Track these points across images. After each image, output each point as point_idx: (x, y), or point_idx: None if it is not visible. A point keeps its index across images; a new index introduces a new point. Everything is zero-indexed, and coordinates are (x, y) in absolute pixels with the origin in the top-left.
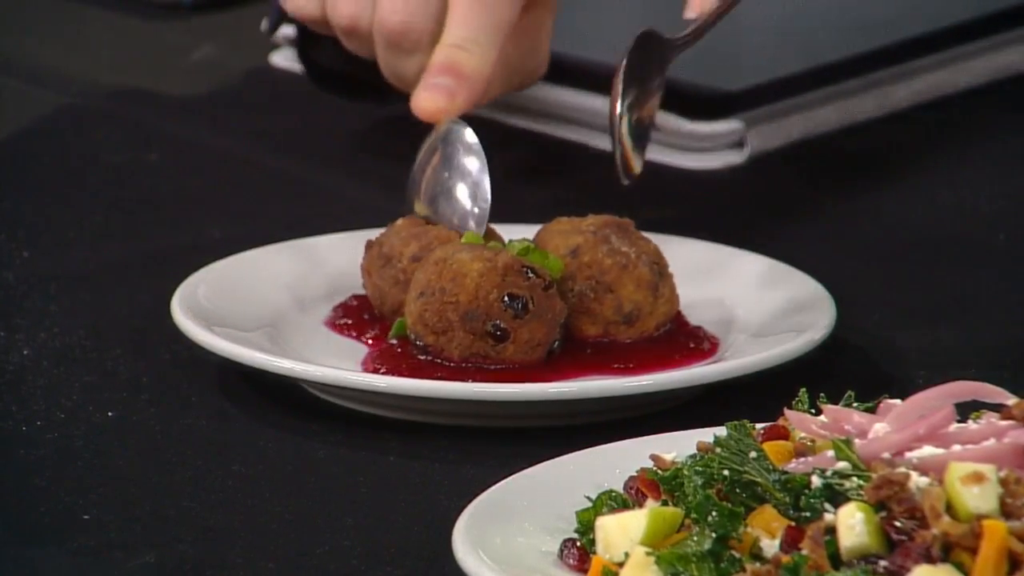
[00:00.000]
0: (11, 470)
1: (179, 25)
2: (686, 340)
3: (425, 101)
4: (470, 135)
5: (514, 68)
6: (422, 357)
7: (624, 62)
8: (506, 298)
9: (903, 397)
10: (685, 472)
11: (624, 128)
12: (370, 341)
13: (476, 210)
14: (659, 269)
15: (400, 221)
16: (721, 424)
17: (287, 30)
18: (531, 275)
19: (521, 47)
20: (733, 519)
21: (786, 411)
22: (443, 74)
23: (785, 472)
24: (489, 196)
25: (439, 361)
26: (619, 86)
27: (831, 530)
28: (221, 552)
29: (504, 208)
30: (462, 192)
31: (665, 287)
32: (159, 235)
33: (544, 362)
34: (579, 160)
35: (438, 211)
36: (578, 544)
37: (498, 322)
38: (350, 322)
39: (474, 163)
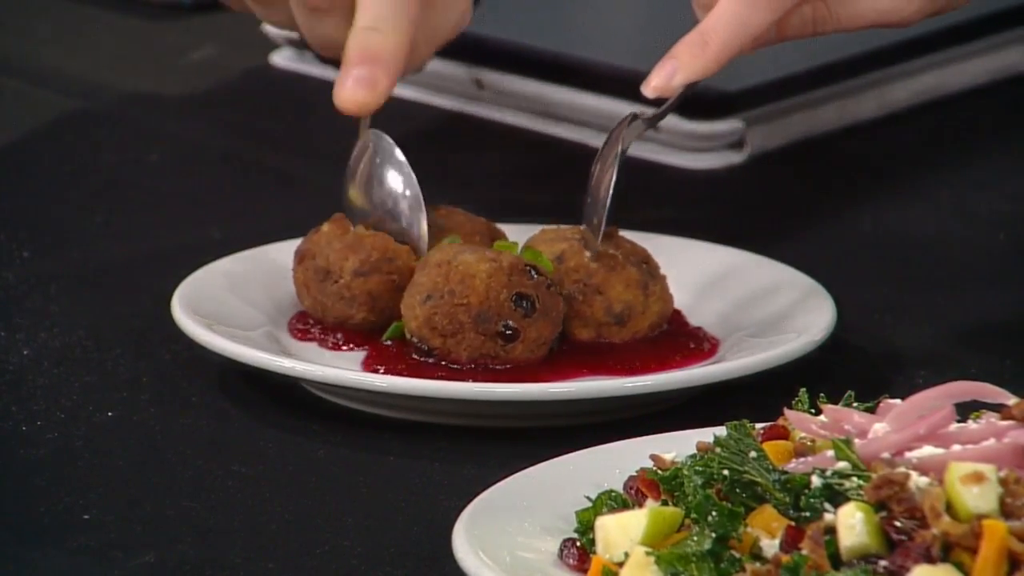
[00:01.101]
0: (11, 470)
1: (179, 25)
2: (686, 340)
3: (348, 96)
4: (396, 152)
5: (437, 27)
6: (427, 360)
7: (619, 146)
8: (516, 298)
9: (903, 397)
10: (685, 472)
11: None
12: (331, 344)
13: (416, 231)
14: (649, 269)
15: (325, 226)
16: (721, 424)
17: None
18: (534, 274)
19: (438, 4)
20: (733, 519)
21: (786, 411)
22: (360, 64)
23: (785, 472)
24: (424, 208)
25: (445, 364)
26: (614, 170)
27: (831, 530)
28: (221, 552)
29: (503, 208)
30: (399, 211)
31: (656, 286)
32: (159, 235)
33: (545, 360)
34: (579, 160)
35: (379, 228)
36: (578, 544)
37: (508, 322)
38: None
39: (404, 180)
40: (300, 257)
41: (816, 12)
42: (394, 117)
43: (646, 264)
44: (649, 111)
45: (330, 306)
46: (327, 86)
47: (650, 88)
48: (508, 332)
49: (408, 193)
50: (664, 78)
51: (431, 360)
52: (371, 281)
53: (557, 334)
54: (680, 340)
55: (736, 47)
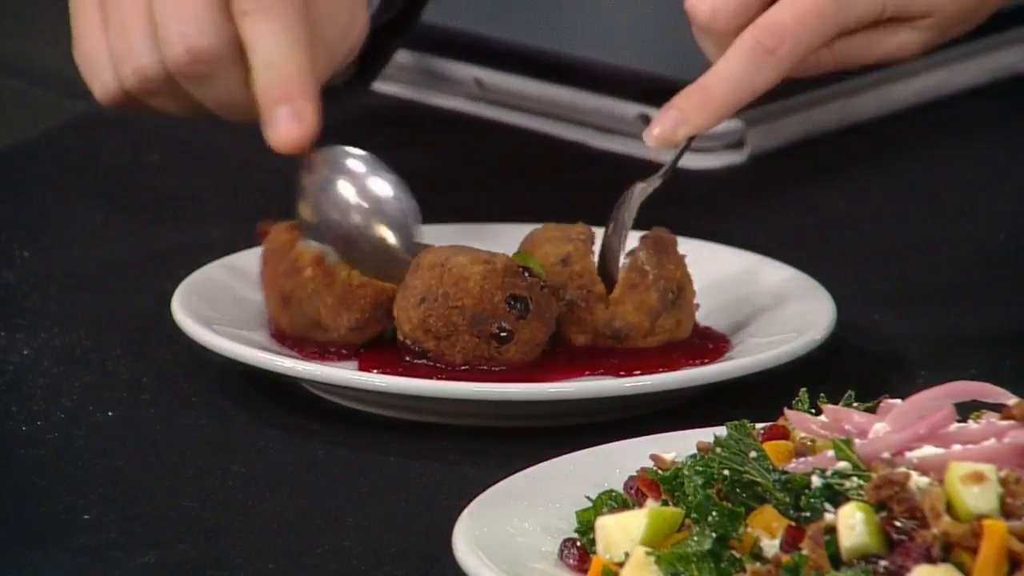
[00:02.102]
0: (11, 470)
1: None
2: (688, 340)
3: (283, 138)
4: (354, 154)
5: (333, 44)
6: (419, 362)
7: (620, 220)
8: (510, 300)
9: (903, 397)
10: (685, 472)
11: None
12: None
13: (412, 225)
14: (674, 299)
15: (309, 271)
16: (721, 424)
17: None
18: (528, 275)
19: (330, 18)
20: (733, 519)
21: (786, 411)
22: (278, 103)
23: (785, 472)
24: (413, 202)
25: (439, 366)
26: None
27: (831, 530)
28: (221, 552)
29: (502, 208)
30: (386, 215)
31: (670, 320)
32: (159, 235)
33: (541, 361)
34: (579, 160)
35: (368, 242)
36: (578, 544)
37: (503, 323)
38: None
39: (371, 175)
40: (284, 300)
41: (820, 57)
42: (393, 117)
43: (674, 294)
44: (657, 168)
45: (323, 343)
46: (325, 86)
47: (653, 137)
48: (502, 334)
49: (397, 196)
50: (668, 128)
51: (424, 362)
52: (367, 331)
53: (549, 336)
54: (682, 340)
55: (739, 103)
